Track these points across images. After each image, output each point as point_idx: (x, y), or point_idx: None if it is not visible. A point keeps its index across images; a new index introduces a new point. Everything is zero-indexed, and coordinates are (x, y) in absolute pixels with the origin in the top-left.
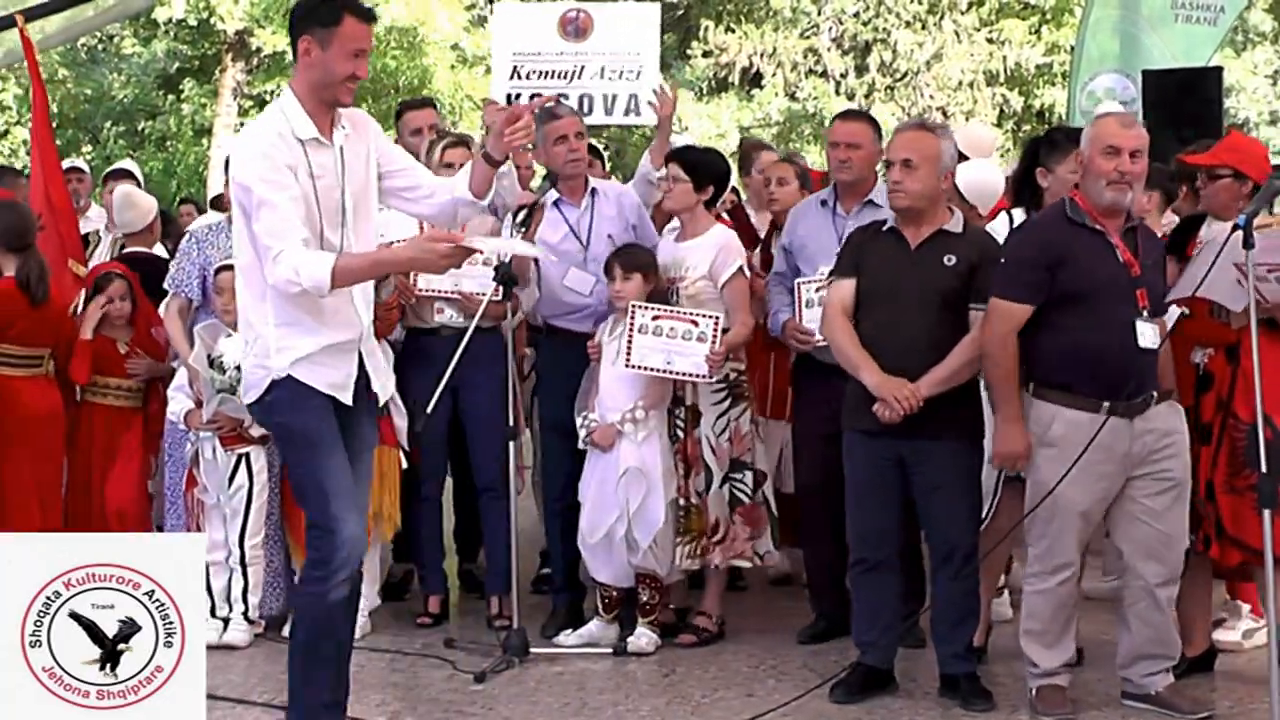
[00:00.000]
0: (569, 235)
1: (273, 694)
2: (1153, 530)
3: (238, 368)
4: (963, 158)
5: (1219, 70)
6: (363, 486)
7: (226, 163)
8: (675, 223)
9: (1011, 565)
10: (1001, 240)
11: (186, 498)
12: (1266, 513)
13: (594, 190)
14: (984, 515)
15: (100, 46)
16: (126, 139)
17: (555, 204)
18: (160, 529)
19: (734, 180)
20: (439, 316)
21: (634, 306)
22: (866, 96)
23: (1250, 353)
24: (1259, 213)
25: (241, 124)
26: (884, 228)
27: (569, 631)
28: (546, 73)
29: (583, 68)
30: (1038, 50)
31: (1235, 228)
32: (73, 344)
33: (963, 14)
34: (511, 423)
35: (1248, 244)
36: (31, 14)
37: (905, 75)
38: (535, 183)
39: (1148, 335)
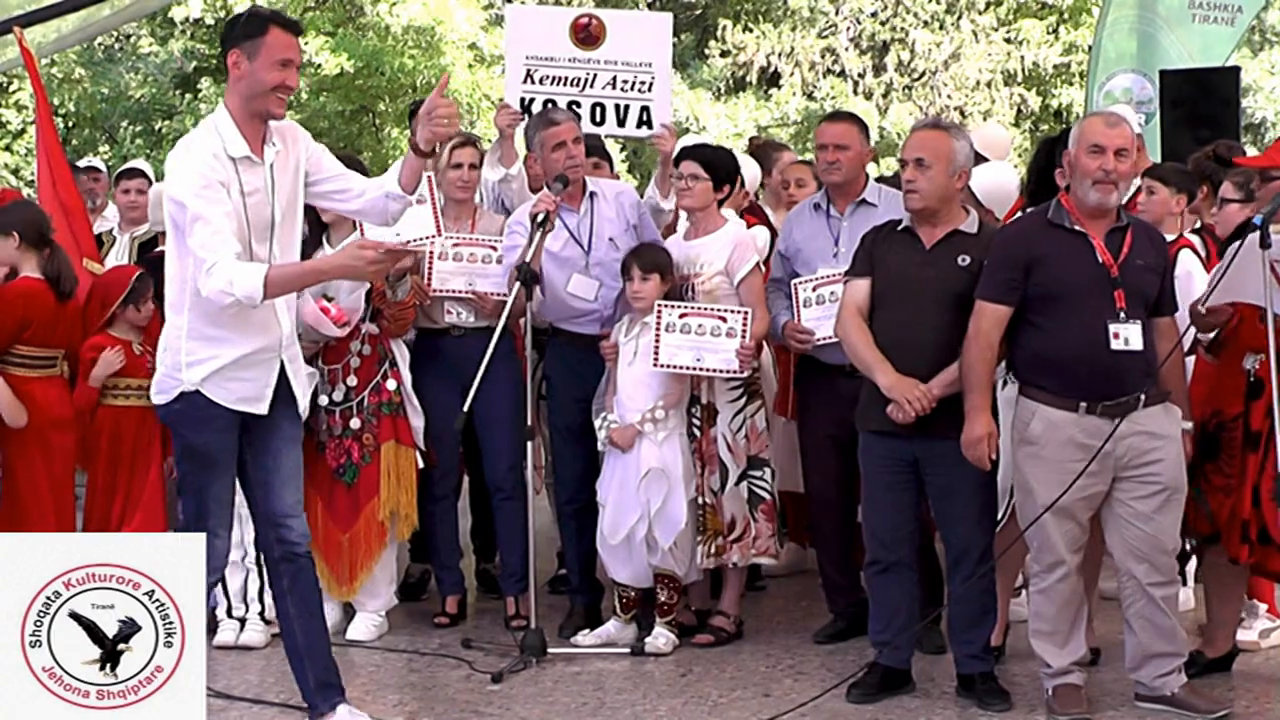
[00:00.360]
0: (569, 241)
1: (289, 694)
2: (1140, 533)
3: None
4: (980, 159)
5: (1236, 70)
6: (296, 480)
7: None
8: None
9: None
10: None
11: None
12: None
13: (592, 194)
14: (1000, 516)
15: (117, 46)
16: (143, 138)
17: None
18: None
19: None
20: (449, 317)
21: (660, 305)
22: (884, 96)
23: None
24: (1277, 211)
25: None
26: (899, 228)
27: (586, 632)
28: (559, 79)
29: (595, 76)
30: (1055, 50)
31: (1252, 227)
32: (81, 348)
33: (980, 14)
34: (529, 423)
35: (1264, 244)
36: (46, 14)
37: (923, 75)
38: None
39: (1121, 337)
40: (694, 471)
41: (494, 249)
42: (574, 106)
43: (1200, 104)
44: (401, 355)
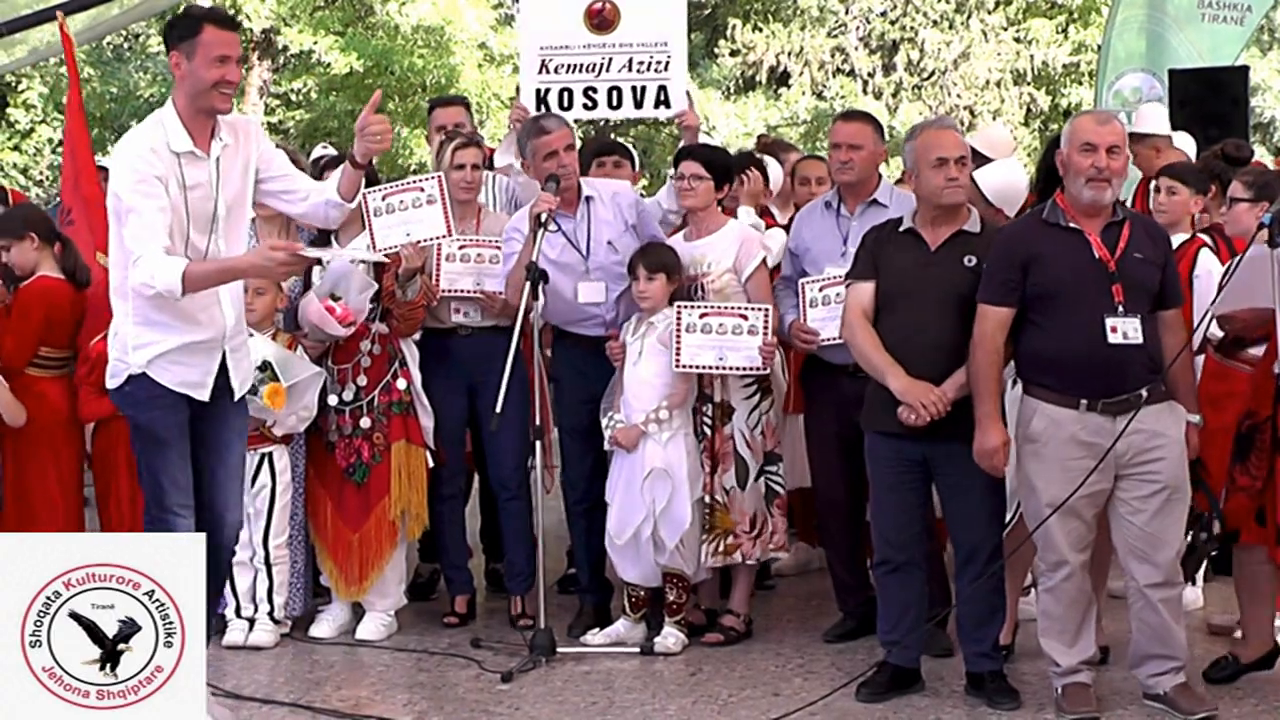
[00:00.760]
0: (567, 247)
1: (299, 694)
2: (1139, 531)
3: (259, 367)
4: (984, 160)
5: (1245, 69)
6: (238, 474)
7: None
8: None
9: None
10: None
11: None
12: None
13: (588, 197)
14: (1009, 518)
15: (126, 45)
16: None
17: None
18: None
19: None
20: (456, 316)
21: (680, 306)
22: (894, 95)
23: None
24: None
25: (268, 123)
26: (900, 228)
27: (596, 631)
28: (574, 66)
29: (610, 60)
30: (1064, 49)
31: (1260, 226)
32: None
33: (990, 13)
34: (538, 422)
35: (1274, 243)
36: (63, 9)
37: (932, 74)
38: None
39: (1119, 331)
40: (701, 471)
41: (500, 249)
42: (590, 93)
43: (1209, 103)
44: (411, 355)
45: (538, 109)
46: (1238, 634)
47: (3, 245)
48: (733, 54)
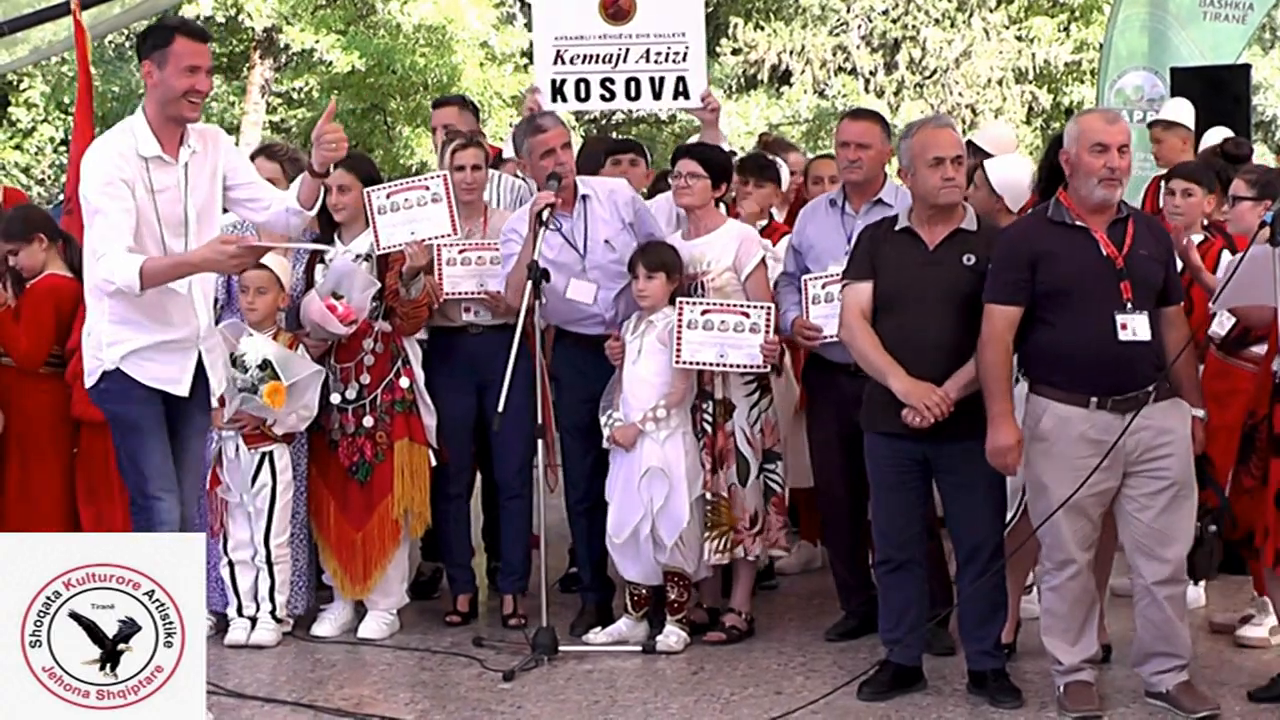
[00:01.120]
0: (564, 246)
1: (301, 693)
2: (1147, 528)
3: (260, 366)
4: (986, 156)
5: (1247, 68)
6: (195, 470)
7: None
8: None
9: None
10: None
11: (210, 497)
12: None
13: (584, 196)
14: (1010, 516)
15: (127, 44)
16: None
17: (551, 211)
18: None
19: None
20: (466, 315)
21: (682, 302)
22: (896, 94)
23: None
24: None
25: (270, 122)
26: (896, 227)
27: (598, 630)
28: (590, 57)
29: (627, 51)
30: (1066, 48)
31: (1262, 224)
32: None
33: (991, 11)
34: (539, 421)
35: (1275, 241)
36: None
37: (934, 73)
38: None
39: (1129, 328)
40: (700, 469)
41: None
42: (608, 83)
43: (1211, 101)
44: (414, 353)
45: (553, 100)
46: (1240, 631)
47: (11, 249)
48: (734, 52)
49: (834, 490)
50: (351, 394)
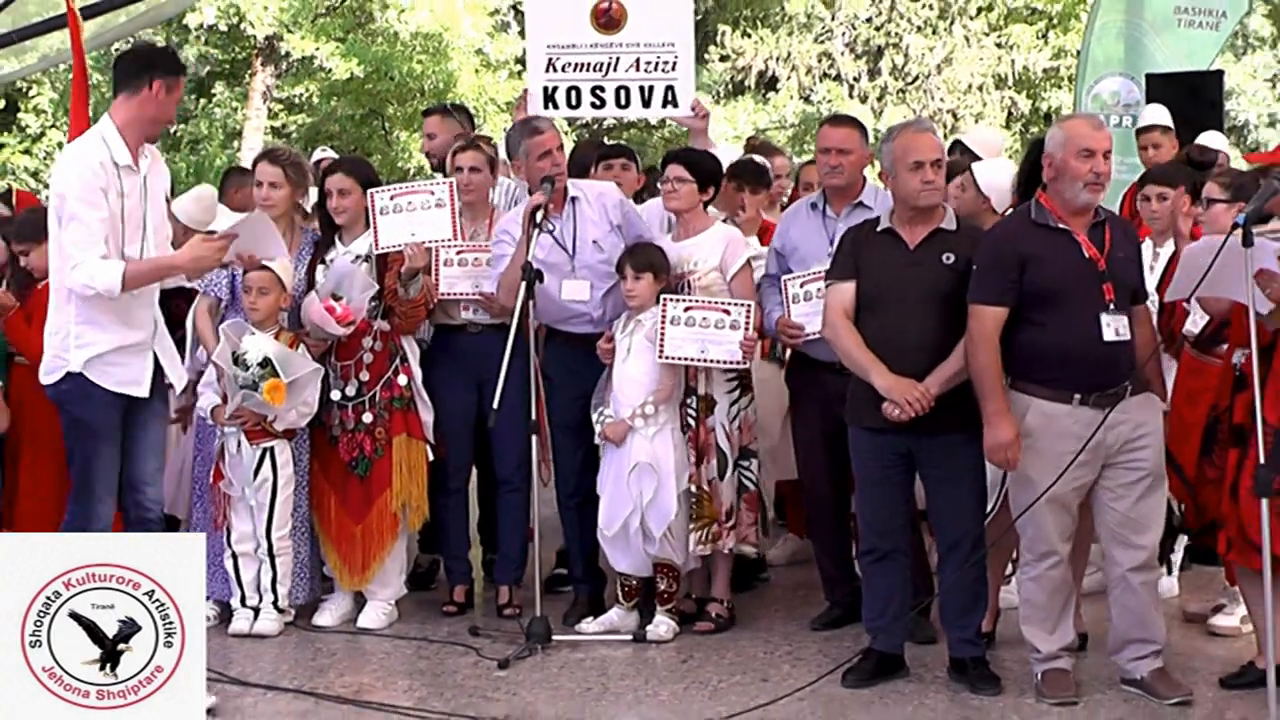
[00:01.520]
0: (554, 247)
1: (302, 680)
2: (1123, 517)
3: (260, 364)
4: (975, 158)
5: (1220, 74)
6: (158, 450)
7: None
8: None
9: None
10: None
11: (213, 490)
12: (1264, 502)
13: (574, 198)
14: (990, 507)
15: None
16: (160, 141)
17: (545, 212)
18: (189, 521)
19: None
20: (465, 313)
21: (665, 299)
22: (879, 100)
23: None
24: (1260, 211)
25: (271, 127)
26: (878, 228)
27: (590, 619)
28: (581, 65)
29: (618, 59)
30: (1045, 54)
31: (1235, 226)
32: None
33: (972, 19)
34: (533, 417)
35: (1246, 242)
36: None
37: (916, 79)
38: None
39: (1112, 328)
40: (687, 463)
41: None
42: (598, 91)
43: (1185, 106)
44: (412, 351)
45: (545, 106)
46: (1212, 620)
47: (22, 250)
48: (722, 59)
49: (818, 485)
50: (351, 391)
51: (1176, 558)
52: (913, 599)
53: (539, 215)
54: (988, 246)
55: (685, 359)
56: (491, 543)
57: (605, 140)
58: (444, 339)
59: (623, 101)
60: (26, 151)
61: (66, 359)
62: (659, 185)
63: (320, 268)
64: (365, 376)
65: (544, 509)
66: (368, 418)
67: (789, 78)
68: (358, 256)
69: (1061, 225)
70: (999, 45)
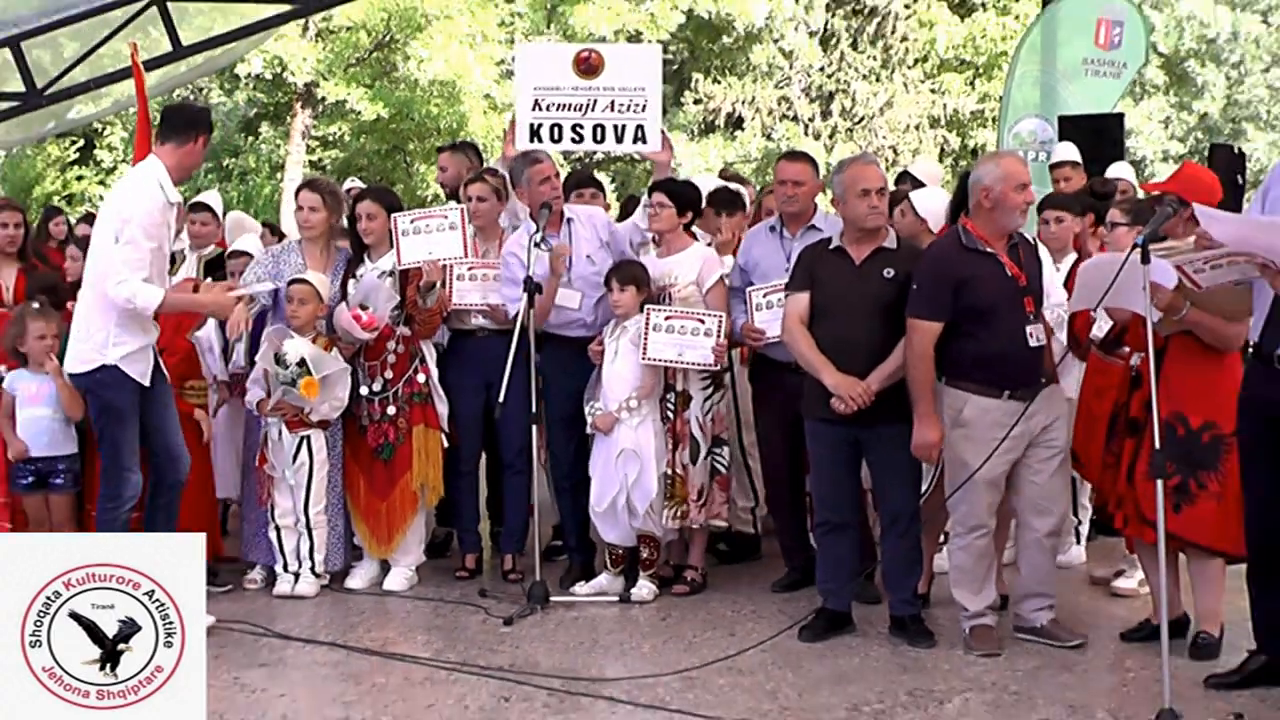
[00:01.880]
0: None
1: (336, 634)
2: (1040, 489)
3: (298, 364)
4: (919, 184)
5: (1121, 116)
6: (176, 426)
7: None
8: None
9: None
10: None
11: (258, 472)
12: (1159, 483)
13: (569, 219)
14: (925, 488)
15: (192, 96)
16: (214, 174)
17: (543, 236)
18: (240, 500)
19: None
20: (475, 320)
21: (650, 309)
22: (830, 137)
23: (1175, 358)
24: (1155, 233)
25: (309, 161)
26: (829, 247)
27: (582, 583)
28: (563, 105)
29: (595, 101)
30: (972, 99)
31: (1134, 246)
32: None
33: (910, 68)
34: (533, 410)
35: (1144, 259)
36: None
37: (862, 119)
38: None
39: (1034, 335)
40: (665, 450)
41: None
42: (577, 128)
43: (1092, 144)
44: (430, 353)
45: (531, 140)
46: (1114, 583)
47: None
48: (696, 102)
49: (778, 469)
50: (377, 387)
51: (1084, 529)
52: (859, 565)
53: (537, 238)
54: (926, 269)
55: (665, 360)
56: (498, 517)
57: (595, 171)
58: (457, 343)
59: (599, 137)
60: (101, 182)
61: (105, 354)
62: (644, 209)
63: (351, 281)
64: (389, 375)
65: (542, 489)
66: (391, 410)
67: (753, 118)
68: (383, 272)
69: (988, 249)
70: (933, 91)
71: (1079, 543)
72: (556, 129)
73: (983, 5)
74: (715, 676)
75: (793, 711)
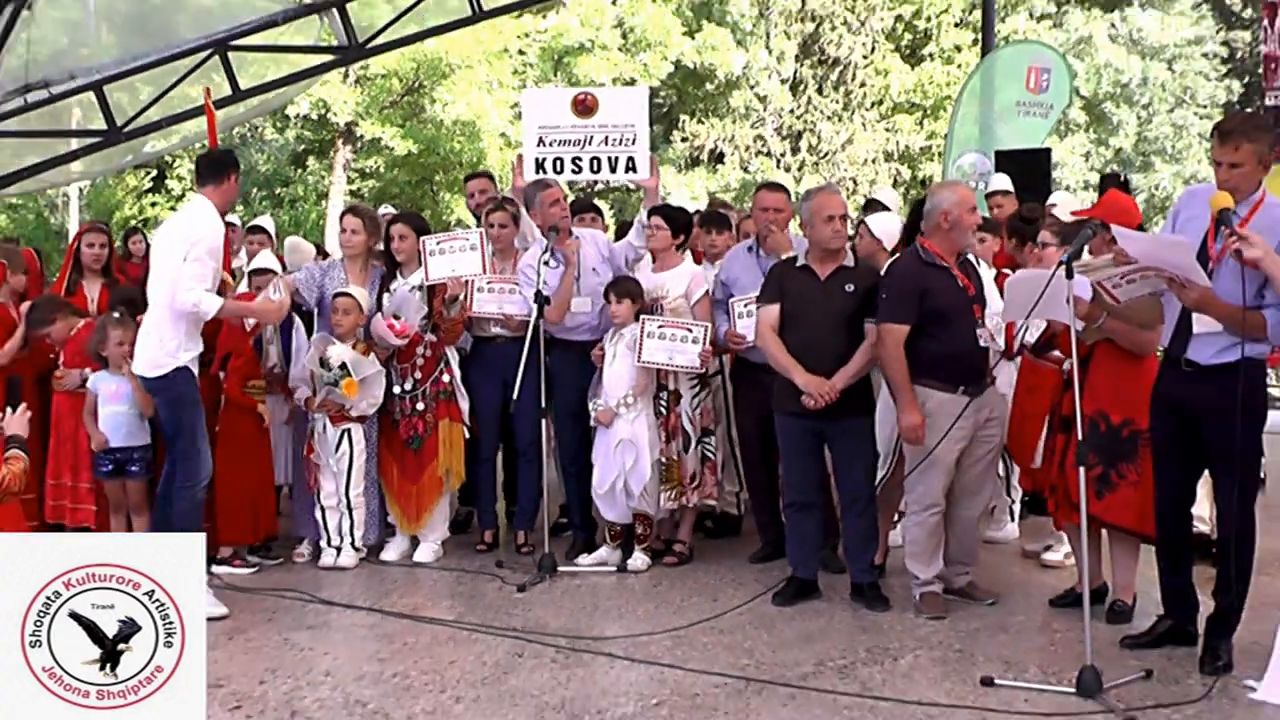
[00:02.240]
0: (564, 274)
1: (373, 601)
2: (975, 476)
3: (340, 367)
4: (882, 207)
5: (1049, 151)
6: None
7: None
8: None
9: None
10: None
11: (306, 461)
12: (1082, 470)
13: (577, 238)
14: (881, 476)
15: (248, 132)
16: (267, 201)
17: (551, 253)
18: (291, 484)
19: None
20: (493, 328)
21: (645, 319)
22: (799, 170)
23: (1099, 362)
24: (1079, 253)
25: (349, 190)
26: (797, 264)
27: (585, 556)
28: (563, 141)
29: (591, 137)
30: (921, 136)
31: (1060, 264)
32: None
33: (868, 110)
34: (543, 405)
35: (1069, 275)
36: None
37: (827, 154)
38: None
39: (983, 338)
40: (659, 440)
41: (517, 284)
42: (576, 161)
43: (1024, 175)
44: (453, 357)
45: (536, 172)
46: (1043, 556)
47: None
48: (683, 140)
49: (754, 456)
50: (408, 386)
51: (1016, 508)
52: (823, 540)
53: (546, 256)
54: (894, 280)
55: (657, 364)
56: (512, 498)
57: (596, 200)
58: (478, 348)
59: (595, 168)
60: (172, 207)
61: (177, 358)
62: (641, 229)
63: (386, 295)
64: (418, 375)
65: (551, 474)
66: (420, 406)
67: (732, 154)
68: (413, 286)
69: (943, 263)
70: (888, 129)
71: (1013, 520)
72: (559, 162)
73: (930, 55)
74: (700, 635)
75: (767, 666)
